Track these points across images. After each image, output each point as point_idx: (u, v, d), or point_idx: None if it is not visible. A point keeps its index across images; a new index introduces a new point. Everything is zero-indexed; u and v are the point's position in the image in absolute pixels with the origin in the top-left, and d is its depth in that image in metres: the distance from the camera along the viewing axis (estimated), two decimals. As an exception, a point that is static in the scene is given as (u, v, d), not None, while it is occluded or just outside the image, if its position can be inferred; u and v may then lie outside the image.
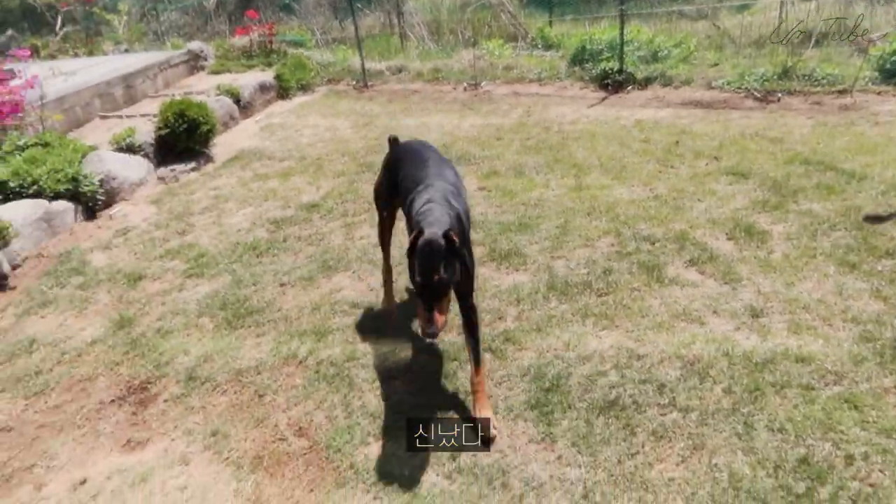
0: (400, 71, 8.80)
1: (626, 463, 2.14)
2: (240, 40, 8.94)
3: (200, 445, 2.34)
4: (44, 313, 3.29)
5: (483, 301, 3.16)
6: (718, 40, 8.26)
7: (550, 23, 9.88)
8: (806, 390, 2.39)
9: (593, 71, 7.53)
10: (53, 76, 5.62)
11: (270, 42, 8.84)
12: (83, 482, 2.21)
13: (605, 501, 2.00)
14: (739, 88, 6.63)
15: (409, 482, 2.11)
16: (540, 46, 9.11)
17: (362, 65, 8.49)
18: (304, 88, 8.16)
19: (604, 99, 7.01)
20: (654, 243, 3.61)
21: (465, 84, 8.09)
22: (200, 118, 5.43)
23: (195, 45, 8.52)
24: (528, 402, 2.45)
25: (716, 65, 7.42)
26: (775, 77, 6.59)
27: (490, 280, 3.38)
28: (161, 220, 4.40)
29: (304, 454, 2.27)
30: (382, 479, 2.13)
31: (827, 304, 2.89)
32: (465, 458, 2.20)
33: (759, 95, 6.42)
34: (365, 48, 9.78)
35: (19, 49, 6.53)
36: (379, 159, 5.36)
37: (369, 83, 8.44)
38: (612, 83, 7.28)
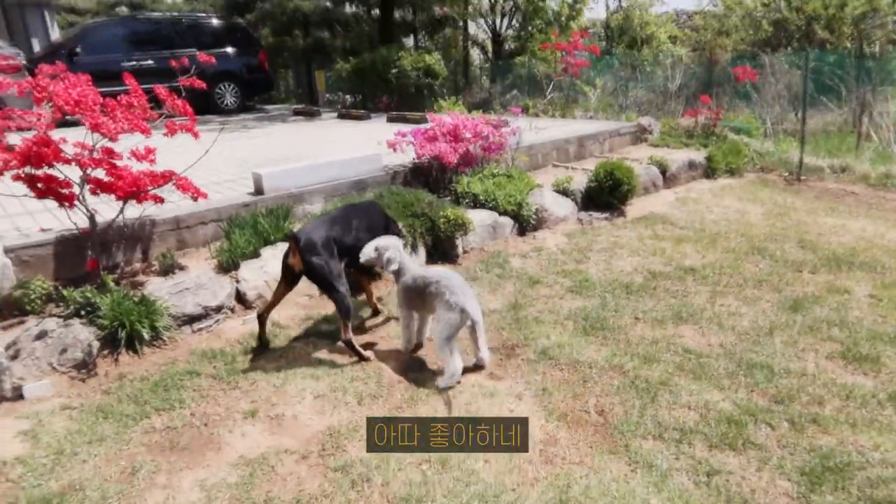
0: (843, 171, 8.41)
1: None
2: (686, 121, 9.84)
3: (532, 392, 3.28)
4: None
5: (815, 388, 3.32)
6: None
7: None
8: None
9: None
10: (529, 129, 7.45)
11: (714, 126, 9.48)
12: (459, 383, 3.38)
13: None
14: None
15: (662, 475, 2.63)
16: None
17: (800, 158, 8.43)
18: (732, 172, 8.55)
19: None
20: None
21: (918, 197, 7.33)
22: (624, 179, 6.49)
23: (645, 120, 9.76)
24: (801, 468, 2.67)
25: None
26: None
27: (829, 373, 3.47)
28: (567, 249, 5.58)
29: (596, 425, 3.00)
30: (643, 463, 2.71)
31: None
32: (721, 478, 2.61)
33: None
34: (814, 143, 9.60)
35: (514, 107, 8.75)
36: (776, 247, 5.58)
37: (802, 177, 8.33)
38: None
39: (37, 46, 16.24)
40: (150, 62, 11.87)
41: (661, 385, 3.33)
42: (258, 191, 5.35)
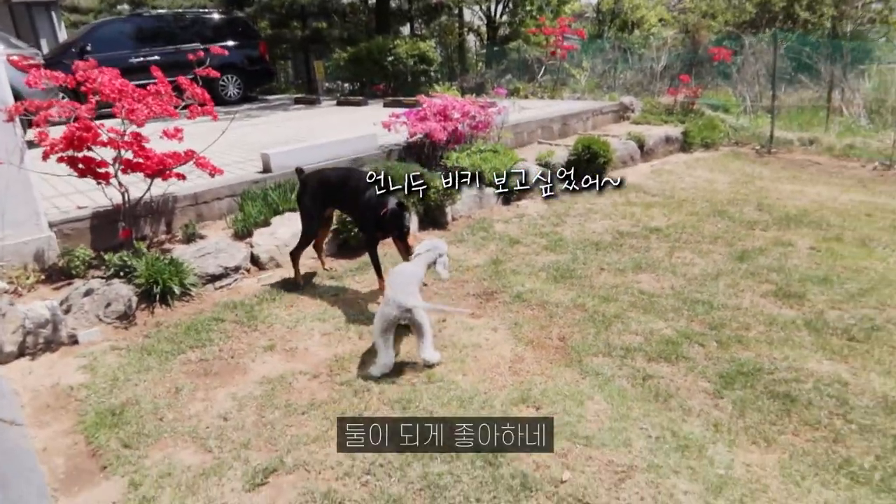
0: (811, 143, 8.97)
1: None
2: (666, 99, 10.39)
3: (505, 326, 3.89)
4: (458, 245, 5.35)
5: (746, 318, 3.92)
6: None
7: None
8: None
9: None
10: (514, 109, 8.03)
11: (693, 104, 10.03)
12: (444, 321, 4.00)
13: None
14: None
15: (606, 379, 3.25)
16: None
17: (771, 132, 8.98)
18: (707, 146, 9.11)
19: None
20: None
21: (877, 163, 7.89)
22: (601, 152, 7.08)
23: (626, 99, 10.31)
24: (719, 373, 3.28)
25: None
26: None
27: (760, 307, 4.07)
28: (546, 214, 6.18)
29: (556, 348, 3.62)
30: (591, 372, 3.32)
31: None
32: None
33: None
34: (787, 118, 10.15)
35: (499, 88, 9.32)
36: (735, 210, 6.16)
37: (773, 150, 8.89)
38: None
39: (45, 47, 16.80)
40: (155, 57, 12.40)
41: (615, 318, 3.94)
42: (266, 169, 5.95)
